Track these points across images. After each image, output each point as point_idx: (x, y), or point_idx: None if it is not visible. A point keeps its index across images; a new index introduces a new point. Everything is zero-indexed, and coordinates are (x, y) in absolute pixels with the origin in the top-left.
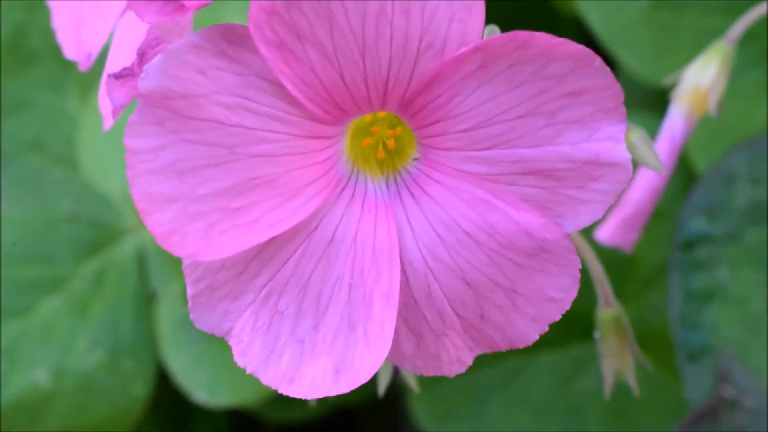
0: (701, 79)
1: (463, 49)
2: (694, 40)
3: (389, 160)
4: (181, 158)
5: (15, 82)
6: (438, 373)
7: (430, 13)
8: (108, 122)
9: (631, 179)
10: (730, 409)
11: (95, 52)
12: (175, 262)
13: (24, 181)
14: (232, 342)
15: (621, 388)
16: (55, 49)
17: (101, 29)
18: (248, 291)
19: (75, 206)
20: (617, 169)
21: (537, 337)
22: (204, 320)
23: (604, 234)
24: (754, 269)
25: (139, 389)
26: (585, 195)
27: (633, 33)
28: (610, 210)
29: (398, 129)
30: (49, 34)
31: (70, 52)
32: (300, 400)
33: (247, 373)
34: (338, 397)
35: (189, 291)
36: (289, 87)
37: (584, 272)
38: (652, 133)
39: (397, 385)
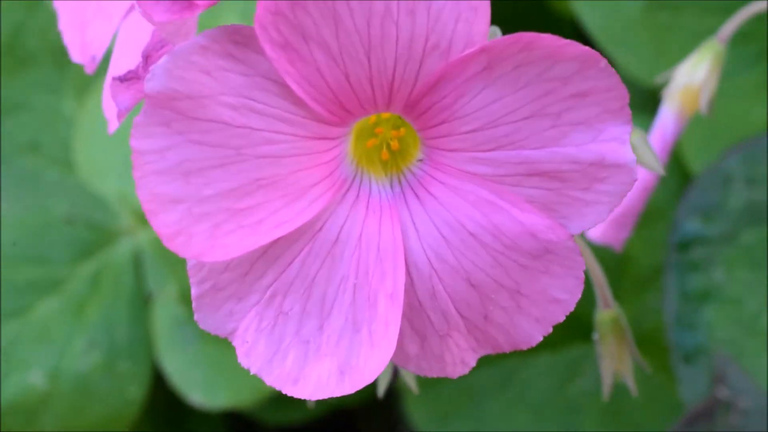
0: (693, 78)
1: (469, 50)
2: (691, 41)
3: (393, 161)
4: (187, 159)
5: (12, 84)
6: (442, 374)
7: (435, 14)
8: (113, 125)
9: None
10: (726, 410)
11: (99, 54)
12: (171, 264)
13: (20, 182)
14: (236, 342)
15: (618, 388)
16: (52, 51)
17: (104, 31)
18: (253, 292)
19: (71, 208)
20: (622, 171)
21: (541, 338)
22: (208, 321)
23: (595, 232)
24: (750, 270)
25: (135, 391)
26: (590, 196)
27: (630, 33)
28: None
29: (402, 130)
30: (45, 35)
31: (75, 55)
32: (296, 401)
33: (252, 373)
34: (336, 398)
35: (193, 291)
36: (295, 87)
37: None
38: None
39: (395, 387)
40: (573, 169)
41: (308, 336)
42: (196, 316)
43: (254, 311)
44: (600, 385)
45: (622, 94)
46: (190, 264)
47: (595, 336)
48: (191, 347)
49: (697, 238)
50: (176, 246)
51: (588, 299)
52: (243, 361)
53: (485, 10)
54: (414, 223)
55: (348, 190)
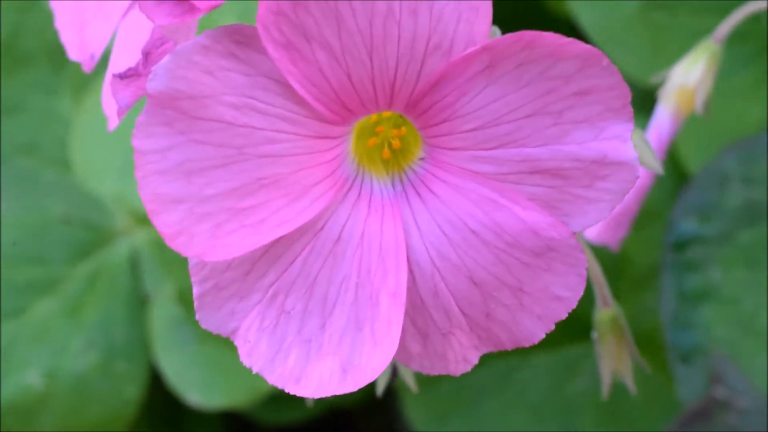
0: (688, 78)
1: (471, 49)
2: (687, 40)
3: (394, 159)
4: (189, 159)
5: (8, 84)
6: (444, 372)
7: (437, 14)
8: (113, 122)
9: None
10: (723, 410)
11: (98, 52)
12: (168, 265)
13: (18, 183)
14: (238, 342)
15: (616, 388)
16: (48, 51)
17: (104, 30)
18: (255, 291)
19: (68, 208)
20: (624, 168)
21: (543, 336)
22: (210, 320)
23: (592, 232)
24: (747, 270)
25: (133, 391)
26: (592, 194)
27: (626, 33)
28: None
29: (403, 129)
30: (42, 35)
31: (73, 53)
32: (293, 401)
33: (254, 372)
34: (333, 398)
35: (195, 291)
36: (297, 87)
37: None
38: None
39: (393, 386)
40: (575, 166)
41: (310, 335)
42: (197, 316)
43: (256, 310)
44: (598, 385)
45: (624, 93)
46: (191, 263)
47: (594, 335)
48: (188, 347)
49: (694, 238)
50: (178, 245)
51: (587, 299)
52: (245, 360)
53: (487, 10)
54: (416, 222)
55: (350, 189)
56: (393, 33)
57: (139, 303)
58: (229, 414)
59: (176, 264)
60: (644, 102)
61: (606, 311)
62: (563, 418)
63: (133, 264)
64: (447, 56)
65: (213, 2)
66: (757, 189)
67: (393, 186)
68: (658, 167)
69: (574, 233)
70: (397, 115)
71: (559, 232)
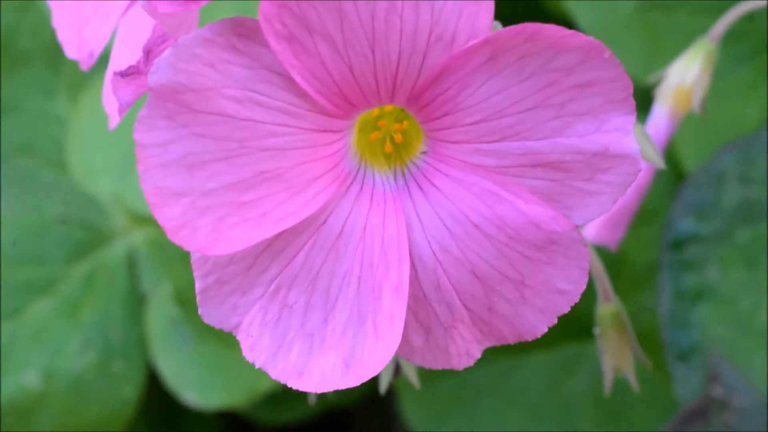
0: (685, 77)
1: (473, 42)
2: (684, 40)
3: (396, 153)
4: (191, 152)
5: (6, 84)
6: (447, 366)
7: (439, 7)
8: (114, 121)
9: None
10: (720, 409)
11: (97, 50)
12: (166, 265)
13: (16, 183)
14: (240, 336)
15: (614, 387)
16: (45, 51)
17: (103, 28)
18: (257, 285)
19: (65, 208)
20: (626, 161)
21: (546, 330)
22: (212, 315)
23: (589, 232)
24: (744, 269)
25: (130, 391)
26: (593, 187)
27: (624, 33)
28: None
29: (405, 123)
30: (38, 35)
31: (71, 52)
32: (291, 401)
33: (257, 367)
34: (331, 397)
35: (197, 285)
36: (299, 80)
37: None
38: None
39: (391, 386)
40: (576, 159)
41: (313, 329)
42: (200, 310)
43: (258, 305)
44: (596, 384)
45: (626, 85)
46: (194, 257)
47: (596, 331)
48: (186, 347)
49: (691, 237)
50: (180, 239)
51: (585, 298)
52: (247, 355)
53: (489, 2)
54: (418, 216)
55: (352, 183)
56: (395, 26)
57: (136, 303)
58: (227, 414)
59: (174, 264)
60: (641, 101)
61: (608, 306)
62: (561, 418)
63: (131, 264)
64: (449, 49)
65: None
66: (754, 188)
67: (395, 180)
68: (659, 161)
69: (576, 226)
70: (399, 109)
71: (561, 226)
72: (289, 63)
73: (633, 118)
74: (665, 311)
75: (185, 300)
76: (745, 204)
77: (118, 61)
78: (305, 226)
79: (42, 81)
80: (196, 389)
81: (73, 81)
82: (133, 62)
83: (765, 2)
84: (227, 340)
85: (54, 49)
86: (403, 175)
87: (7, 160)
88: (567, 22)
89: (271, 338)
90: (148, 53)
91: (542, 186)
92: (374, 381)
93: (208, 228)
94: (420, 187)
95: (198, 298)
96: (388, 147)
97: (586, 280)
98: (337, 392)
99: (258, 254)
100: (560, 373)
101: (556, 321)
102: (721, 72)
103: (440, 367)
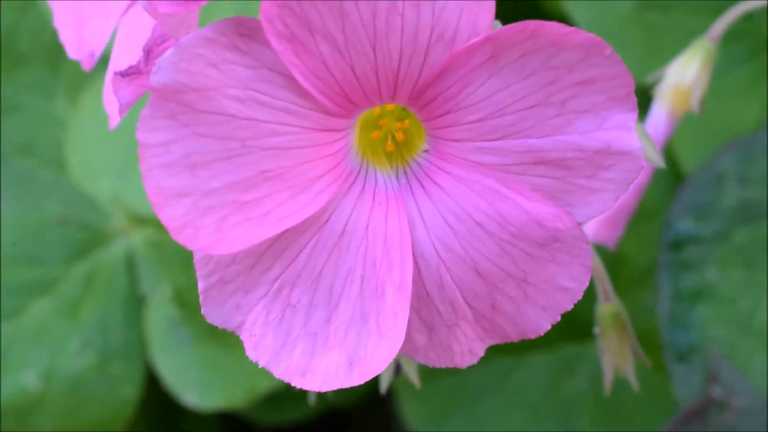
0: (683, 77)
1: (474, 40)
2: (683, 40)
3: (398, 152)
4: (193, 152)
5: (6, 85)
6: (450, 365)
7: (440, 6)
8: (114, 120)
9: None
10: (719, 410)
11: (98, 51)
12: (165, 265)
13: (14, 183)
14: (243, 336)
15: (613, 387)
16: (44, 52)
17: (104, 28)
18: (260, 284)
19: (64, 209)
20: (628, 158)
21: (549, 327)
22: (215, 314)
23: (588, 231)
24: (743, 269)
25: (130, 392)
26: (595, 184)
27: (621, 33)
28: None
29: (406, 121)
30: (38, 36)
31: (72, 52)
32: (291, 401)
33: (260, 366)
34: (331, 397)
35: (200, 285)
36: (301, 80)
37: None
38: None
39: (391, 386)
40: (578, 157)
41: (316, 328)
42: (203, 310)
43: (262, 304)
44: (596, 385)
45: (628, 81)
46: (197, 257)
47: (596, 330)
48: (185, 348)
49: (690, 238)
50: (183, 239)
51: (584, 299)
52: (251, 354)
53: (490, 1)
54: (420, 214)
55: (354, 182)
56: (396, 25)
57: (135, 304)
58: (227, 414)
59: (173, 265)
60: (640, 101)
61: (608, 306)
62: (561, 418)
63: (130, 265)
64: (450, 47)
65: None
66: (754, 188)
67: (397, 178)
68: (659, 160)
69: (579, 223)
70: (400, 108)
71: (564, 223)
72: (290, 63)
73: (635, 115)
74: (664, 311)
75: (184, 301)
76: (744, 204)
77: (119, 61)
78: (308, 225)
79: (42, 81)
80: (196, 390)
81: (73, 81)
82: (133, 62)
83: (764, 2)
84: (227, 341)
85: (53, 50)
86: (405, 173)
87: (7, 160)
88: (566, 23)
89: (275, 337)
90: (149, 53)
91: (544, 183)
92: (374, 381)
93: (211, 227)
94: (422, 186)
95: (201, 298)
96: (390, 146)
97: (588, 277)
98: (337, 392)
99: (261, 253)
100: (560, 373)
101: (559, 318)
102: (719, 72)
103: (443, 365)
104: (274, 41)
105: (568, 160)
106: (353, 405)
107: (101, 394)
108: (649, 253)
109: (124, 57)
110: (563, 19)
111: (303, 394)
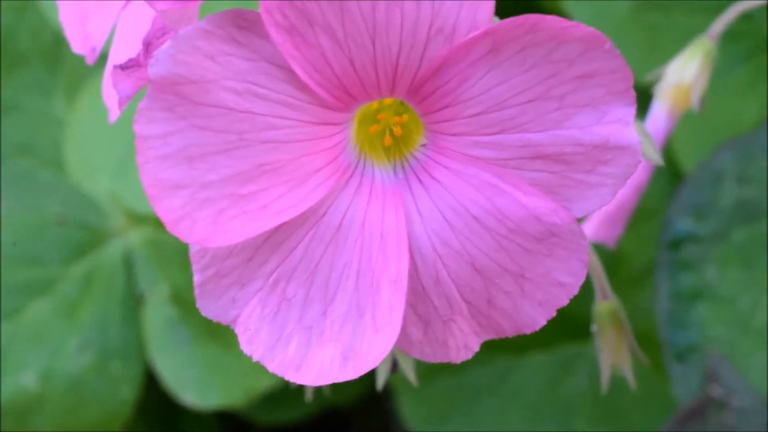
0: (683, 75)
1: (473, 34)
2: (681, 39)
3: (396, 146)
4: (191, 144)
5: (4, 85)
6: (445, 360)
7: None
8: (114, 114)
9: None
10: (718, 409)
11: (99, 45)
12: (163, 265)
13: (14, 183)
14: (238, 330)
15: (612, 387)
16: (43, 52)
17: (105, 22)
18: (256, 278)
19: (63, 209)
20: (626, 153)
21: (544, 322)
22: (211, 308)
23: (587, 230)
24: (742, 268)
25: (128, 391)
26: (594, 179)
27: (621, 32)
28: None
29: (404, 116)
30: (36, 36)
31: (76, 47)
32: (289, 401)
33: (254, 360)
34: (329, 397)
35: (196, 278)
36: (299, 72)
37: None
38: None
39: (389, 386)
40: (577, 151)
41: (311, 322)
42: (198, 303)
43: (257, 298)
44: (595, 384)
45: (627, 76)
46: (192, 250)
47: (593, 328)
48: (184, 348)
49: (688, 237)
50: (180, 231)
51: (581, 298)
52: (245, 348)
53: None
54: (417, 208)
55: (351, 176)
56: (396, 18)
57: (134, 303)
58: (225, 414)
59: (171, 264)
60: (639, 100)
61: (605, 304)
62: (560, 418)
63: (128, 264)
64: (449, 41)
65: None
66: (752, 187)
67: (395, 173)
68: (657, 158)
69: (576, 219)
70: (398, 102)
71: (561, 218)
72: (289, 55)
73: (633, 109)
74: (663, 310)
75: (183, 300)
76: (742, 203)
77: (118, 55)
78: (304, 218)
79: (40, 81)
80: (194, 389)
81: (71, 81)
82: (133, 55)
83: (763, 1)
84: (225, 341)
85: (52, 50)
86: (403, 168)
87: (6, 160)
88: None
89: (270, 331)
90: (148, 46)
91: (542, 178)
92: (373, 381)
93: (208, 220)
94: (419, 180)
95: (196, 291)
96: (388, 140)
97: (585, 272)
98: (335, 392)
99: (257, 247)
100: (559, 373)
101: (555, 314)
102: (719, 71)
103: (439, 361)
104: (273, 33)
105: (567, 155)
106: (352, 405)
107: (100, 394)
108: (648, 252)
109: (123, 50)
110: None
111: (302, 393)
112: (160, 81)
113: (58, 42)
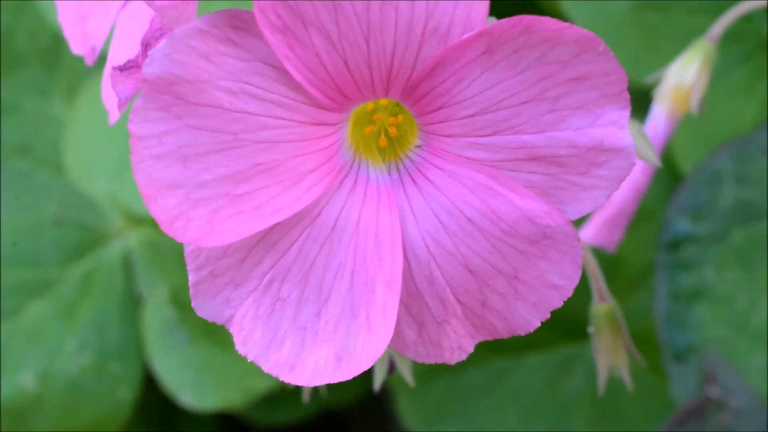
0: (683, 78)
1: (468, 34)
2: (680, 40)
3: (391, 147)
4: (186, 144)
5: (2, 86)
6: (439, 361)
7: None
8: (114, 116)
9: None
10: (717, 409)
11: (99, 45)
12: (162, 266)
13: (11, 184)
14: (233, 330)
15: (610, 387)
16: (41, 52)
17: (104, 23)
18: (250, 278)
19: (61, 209)
20: (620, 155)
21: (538, 324)
22: (205, 308)
23: (587, 234)
24: (740, 269)
25: (127, 392)
26: (588, 181)
27: (619, 33)
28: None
29: (399, 117)
30: (34, 36)
31: (76, 47)
32: (287, 402)
33: (249, 360)
34: (327, 398)
35: (191, 278)
36: (293, 73)
37: None
38: None
39: (386, 387)
40: (571, 153)
41: (305, 322)
42: (193, 303)
43: (252, 298)
44: (592, 385)
45: (621, 78)
46: (187, 250)
47: (590, 329)
48: (182, 349)
49: (687, 238)
50: (174, 231)
51: (579, 299)
52: (240, 348)
53: None
54: (412, 210)
55: (346, 176)
56: (390, 18)
57: (132, 304)
58: (223, 415)
59: (169, 265)
60: (638, 102)
61: (602, 305)
62: (557, 418)
63: (127, 265)
64: (444, 41)
65: None
66: (751, 188)
67: (389, 174)
68: (655, 160)
69: (570, 221)
70: (393, 103)
71: (555, 220)
72: (283, 55)
73: (627, 112)
74: (661, 311)
75: (181, 302)
76: (741, 204)
77: (117, 56)
78: (299, 219)
79: (38, 82)
80: (192, 390)
81: (70, 82)
82: (131, 56)
83: (762, 3)
84: (223, 342)
85: (50, 50)
86: (397, 169)
87: (5, 160)
88: None
89: (264, 331)
90: (146, 46)
91: (537, 180)
92: (371, 382)
93: (203, 220)
94: (414, 181)
95: (191, 291)
96: (383, 141)
97: (579, 274)
98: (334, 393)
99: (251, 247)
100: (557, 374)
101: (549, 316)
102: (718, 73)
103: (433, 362)
104: (267, 33)
105: (561, 157)
106: (350, 406)
107: (98, 395)
108: (646, 253)
109: (122, 52)
110: (560, 19)
111: (300, 395)
112: (155, 80)
113: (57, 42)
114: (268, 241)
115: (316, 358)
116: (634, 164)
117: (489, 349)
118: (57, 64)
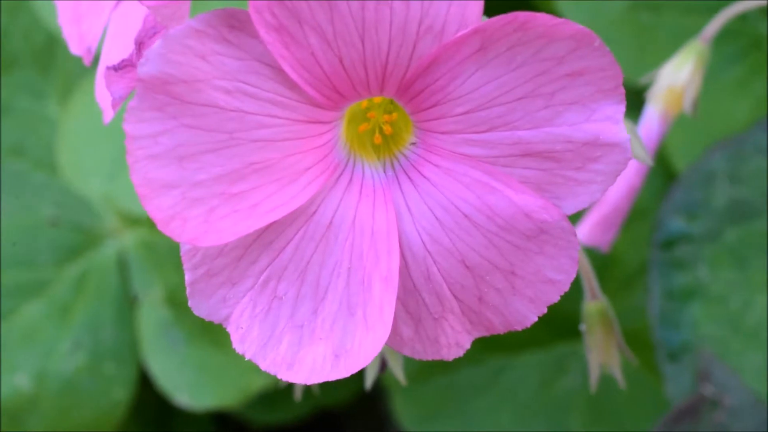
0: (676, 78)
1: (463, 32)
2: (674, 40)
3: (386, 145)
4: (181, 143)
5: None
6: (437, 357)
7: None
8: (108, 115)
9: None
10: (711, 408)
11: (94, 45)
12: (157, 266)
13: (6, 185)
14: (230, 329)
15: (604, 386)
16: (36, 53)
17: (98, 23)
18: (247, 276)
19: (56, 210)
20: (616, 150)
21: (535, 319)
22: (202, 307)
23: (581, 233)
24: (734, 268)
25: (121, 392)
26: (583, 176)
27: (613, 33)
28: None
29: (394, 114)
30: (28, 37)
31: (74, 48)
32: (283, 402)
33: (246, 359)
34: (323, 397)
35: (187, 277)
36: (289, 71)
37: None
38: None
39: (382, 386)
40: (567, 148)
41: (302, 320)
42: (190, 303)
43: (248, 296)
44: (587, 383)
45: (616, 74)
46: (183, 249)
47: (582, 327)
48: (177, 349)
49: (681, 237)
50: (171, 231)
51: (574, 298)
52: (237, 347)
53: None
54: (408, 206)
55: (341, 174)
56: (385, 16)
57: (127, 305)
58: (219, 415)
59: (164, 266)
60: (632, 101)
61: (594, 303)
62: (552, 417)
63: (121, 266)
64: (439, 39)
65: None
66: (744, 187)
67: (384, 171)
68: (648, 159)
69: (566, 216)
70: (388, 100)
71: (551, 215)
72: (279, 54)
73: (623, 107)
74: (656, 311)
75: (176, 302)
76: (734, 203)
77: (111, 56)
78: (295, 217)
79: (33, 83)
80: (188, 390)
81: (64, 82)
82: (125, 56)
83: (758, 3)
84: (219, 341)
85: (45, 51)
86: (393, 166)
87: (3, 161)
88: None
89: (261, 330)
90: (140, 45)
91: (532, 175)
92: (365, 377)
93: (199, 219)
94: (409, 178)
95: (188, 290)
96: (378, 138)
97: (576, 269)
98: (329, 392)
99: (248, 245)
100: (552, 372)
101: (545, 311)
102: (711, 71)
103: (430, 358)
104: (262, 32)
105: (557, 152)
106: (346, 405)
107: (93, 395)
108: (640, 252)
109: (115, 51)
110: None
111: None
112: (151, 80)
113: (51, 43)
114: (265, 239)
115: (314, 356)
116: (630, 158)
117: (484, 348)
118: (51, 65)
